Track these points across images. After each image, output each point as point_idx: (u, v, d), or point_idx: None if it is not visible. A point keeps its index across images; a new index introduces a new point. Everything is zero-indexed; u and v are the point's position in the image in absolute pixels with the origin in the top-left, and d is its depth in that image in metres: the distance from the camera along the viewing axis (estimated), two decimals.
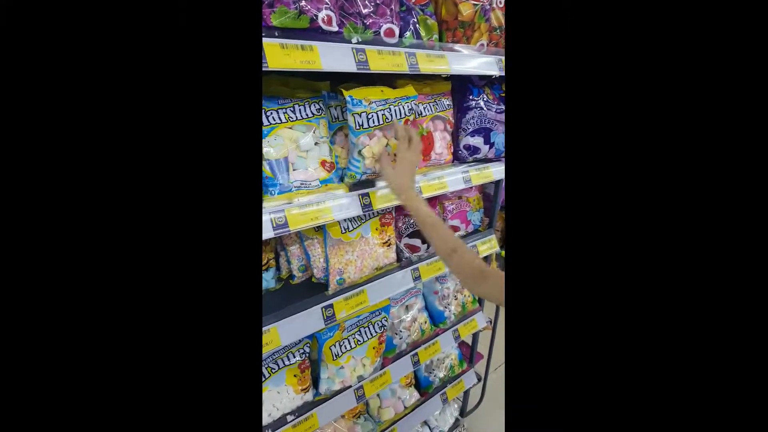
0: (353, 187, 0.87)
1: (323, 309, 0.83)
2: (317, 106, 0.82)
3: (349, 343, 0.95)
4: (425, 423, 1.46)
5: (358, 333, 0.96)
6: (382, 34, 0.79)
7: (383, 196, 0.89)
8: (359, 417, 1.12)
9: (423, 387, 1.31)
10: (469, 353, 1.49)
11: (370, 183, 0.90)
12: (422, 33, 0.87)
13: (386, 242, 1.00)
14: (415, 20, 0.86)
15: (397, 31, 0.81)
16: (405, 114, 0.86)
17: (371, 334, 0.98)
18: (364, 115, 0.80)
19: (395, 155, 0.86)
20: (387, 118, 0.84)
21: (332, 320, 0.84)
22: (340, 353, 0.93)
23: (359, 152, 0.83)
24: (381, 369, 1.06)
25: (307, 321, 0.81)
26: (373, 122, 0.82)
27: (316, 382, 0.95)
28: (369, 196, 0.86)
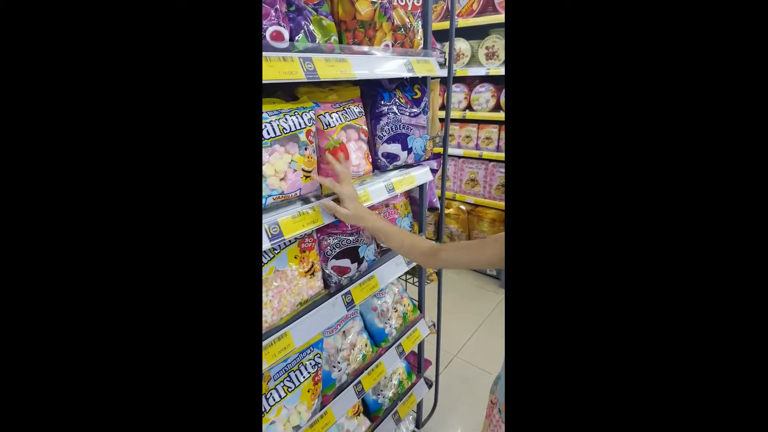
0: None
1: None
2: None
3: (278, 393, 0.83)
4: None
5: (288, 379, 0.84)
6: (267, 38, 0.67)
7: (297, 221, 0.78)
8: None
9: (372, 411, 1.23)
10: (416, 362, 1.45)
11: (280, 207, 0.78)
12: (318, 35, 0.77)
13: (309, 270, 0.89)
14: (308, 21, 0.75)
15: (286, 34, 0.70)
16: (306, 124, 0.76)
17: (304, 377, 0.87)
18: None
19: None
20: (284, 129, 0.73)
21: None
22: (268, 407, 0.80)
23: None
24: (321, 410, 0.95)
25: None
26: (269, 134, 0.71)
27: None
28: (278, 225, 0.74)
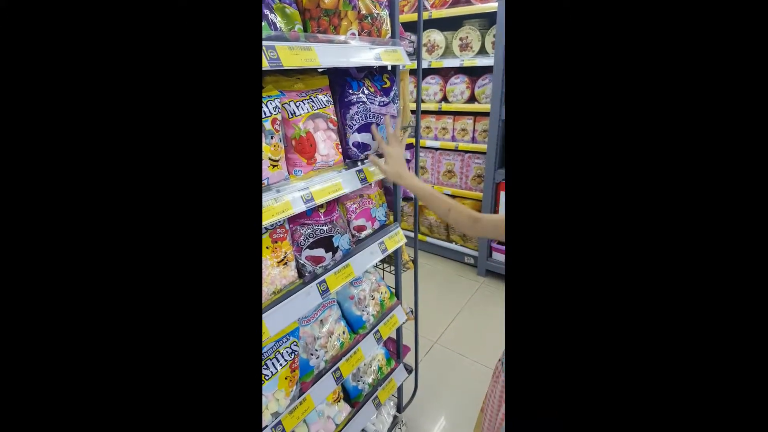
0: None
1: None
2: None
3: None
4: (363, 430, 1.41)
5: (264, 367, 0.85)
6: None
7: (265, 211, 0.79)
8: None
9: (353, 397, 1.25)
10: (395, 348, 1.48)
11: None
12: (281, 23, 0.77)
13: (282, 260, 0.90)
14: (270, 9, 0.75)
15: None
16: (271, 113, 0.76)
17: (280, 364, 0.88)
18: None
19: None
20: None
21: None
22: None
23: None
24: (300, 397, 0.96)
25: None
26: None
27: None
28: None
